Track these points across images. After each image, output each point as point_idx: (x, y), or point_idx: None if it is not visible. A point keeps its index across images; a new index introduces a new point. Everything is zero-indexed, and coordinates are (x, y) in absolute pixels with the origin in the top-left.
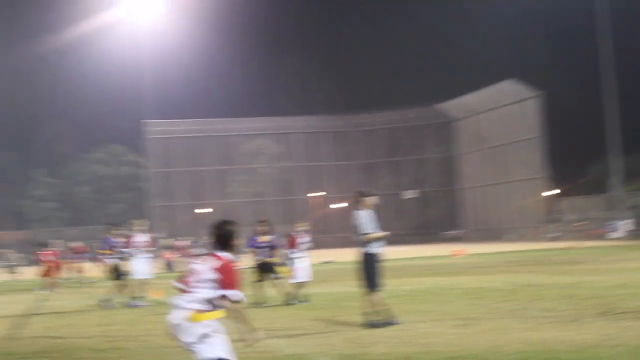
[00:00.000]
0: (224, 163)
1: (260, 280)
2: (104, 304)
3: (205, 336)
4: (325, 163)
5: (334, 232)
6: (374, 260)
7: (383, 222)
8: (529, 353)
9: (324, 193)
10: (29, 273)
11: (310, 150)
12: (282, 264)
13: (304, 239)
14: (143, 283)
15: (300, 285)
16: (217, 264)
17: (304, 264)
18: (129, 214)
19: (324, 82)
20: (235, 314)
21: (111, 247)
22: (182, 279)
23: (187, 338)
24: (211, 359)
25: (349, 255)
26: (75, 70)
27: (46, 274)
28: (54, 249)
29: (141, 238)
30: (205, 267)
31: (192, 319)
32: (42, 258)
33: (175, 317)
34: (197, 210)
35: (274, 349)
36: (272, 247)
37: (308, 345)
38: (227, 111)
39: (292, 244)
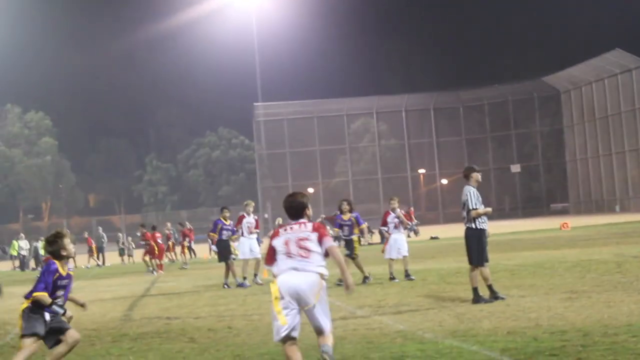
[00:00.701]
0: (331, 143)
1: (351, 257)
2: (227, 285)
3: (323, 299)
4: (432, 140)
5: (441, 208)
6: (480, 236)
7: (490, 197)
8: (637, 326)
9: (430, 170)
10: (139, 256)
11: (416, 128)
12: (360, 241)
13: (395, 215)
14: (253, 263)
15: (396, 261)
16: (308, 226)
17: (397, 240)
18: (238, 195)
19: (429, 58)
20: (341, 259)
21: (222, 229)
22: (287, 247)
23: (311, 300)
24: (326, 321)
25: (456, 231)
26: (185, 55)
27: (153, 256)
28: (159, 231)
29: (250, 219)
30: (304, 232)
31: (316, 283)
32: (149, 241)
33: (300, 281)
34: (309, 190)
35: (382, 325)
36: (352, 225)
37: (415, 321)
38: (333, 91)
39: (384, 221)
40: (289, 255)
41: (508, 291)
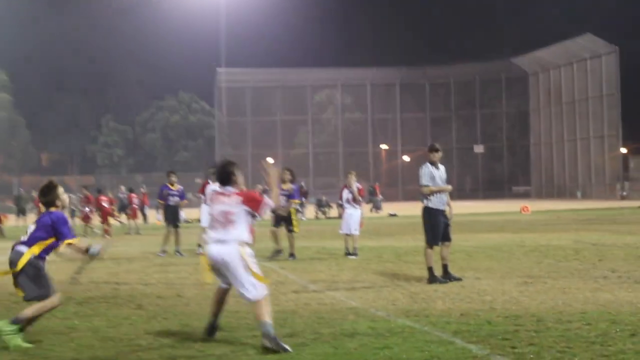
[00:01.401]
0: (294, 113)
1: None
2: (161, 253)
3: (247, 266)
4: (395, 115)
5: (401, 185)
6: (434, 215)
7: (451, 176)
8: (591, 314)
9: (392, 146)
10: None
11: (381, 102)
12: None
13: (351, 190)
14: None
15: (349, 237)
16: (236, 197)
17: (352, 216)
18: (196, 162)
19: (397, 33)
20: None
21: (168, 194)
22: (214, 217)
23: (237, 271)
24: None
25: (415, 209)
26: (149, 16)
27: (87, 221)
28: (110, 196)
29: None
30: (232, 202)
31: (239, 252)
32: (98, 204)
33: (222, 251)
34: (268, 159)
35: (335, 301)
36: (290, 196)
37: (368, 298)
38: (298, 61)
39: (341, 195)
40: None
41: (464, 272)
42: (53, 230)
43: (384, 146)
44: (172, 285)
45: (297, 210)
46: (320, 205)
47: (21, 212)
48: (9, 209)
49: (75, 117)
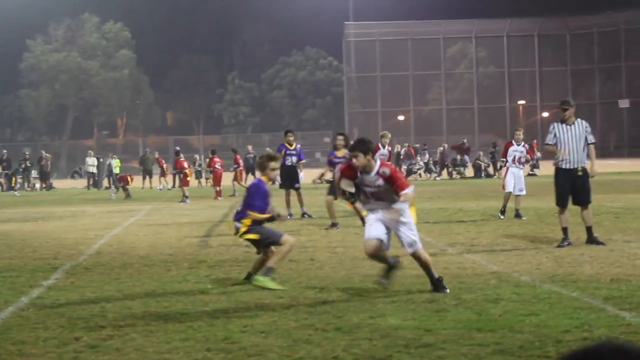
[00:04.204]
0: (425, 68)
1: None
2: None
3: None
4: (534, 69)
5: (540, 142)
6: (558, 174)
7: (595, 133)
8: None
9: (531, 102)
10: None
11: (518, 55)
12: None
13: (519, 147)
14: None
15: (512, 197)
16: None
17: (517, 176)
18: (324, 120)
19: None
20: None
21: (286, 154)
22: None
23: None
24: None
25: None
26: None
27: (185, 183)
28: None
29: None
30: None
31: None
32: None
33: None
34: (399, 117)
35: (475, 264)
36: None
37: (510, 262)
38: (429, 13)
39: (505, 153)
40: None
41: (611, 235)
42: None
43: (521, 102)
44: (305, 249)
45: None
46: (455, 164)
47: (147, 173)
48: (135, 170)
49: (200, 75)
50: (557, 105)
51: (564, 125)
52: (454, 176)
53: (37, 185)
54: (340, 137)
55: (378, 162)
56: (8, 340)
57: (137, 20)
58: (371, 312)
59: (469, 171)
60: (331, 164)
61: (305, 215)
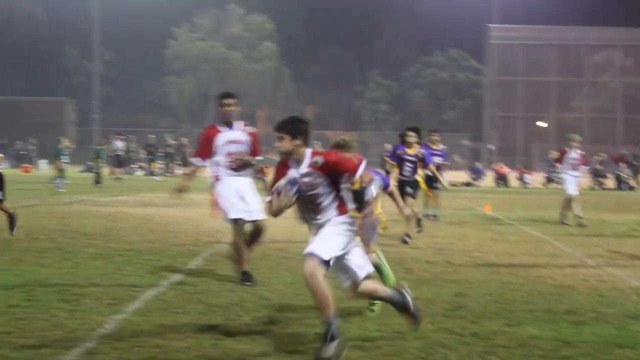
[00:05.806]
0: (568, 74)
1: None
2: (426, 217)
3: None
4: None
5: None
6: None
7: None
8: None
9: None
10: None
11: None
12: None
13: (574, 155)
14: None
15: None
16: None
17: (570, 181)
18: (462, 122)
19: None
20: None
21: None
22: None
23: None
24: None
25: None
26: None
27: None
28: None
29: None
30: None
31: None
32: None
33: None
34: (538, 123)
35: (615, 278)
36: (420, 161)
37: None
38: (573, 19)
39: (560, 159)
40: None
41: None
42: None
43: None
44: (441, 251)
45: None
46: (596, 174)
47: None
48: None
49: (340, 70)
50: None
51: None
52: (594, 187)
53: (179, 172)
54: (412, 133)
55: (309, 150)
56: (149, 323)
57: (280, 13)
58: (508, 320)
59: (610, 182)
60: (398, 161)
61: (431, 217)
